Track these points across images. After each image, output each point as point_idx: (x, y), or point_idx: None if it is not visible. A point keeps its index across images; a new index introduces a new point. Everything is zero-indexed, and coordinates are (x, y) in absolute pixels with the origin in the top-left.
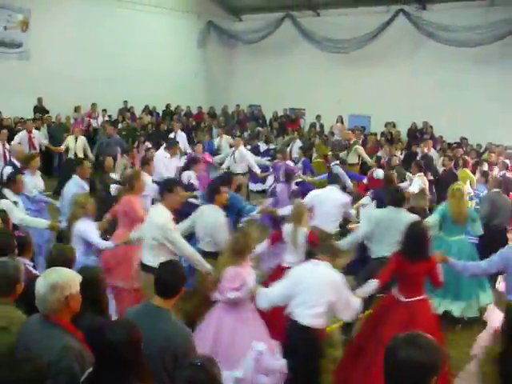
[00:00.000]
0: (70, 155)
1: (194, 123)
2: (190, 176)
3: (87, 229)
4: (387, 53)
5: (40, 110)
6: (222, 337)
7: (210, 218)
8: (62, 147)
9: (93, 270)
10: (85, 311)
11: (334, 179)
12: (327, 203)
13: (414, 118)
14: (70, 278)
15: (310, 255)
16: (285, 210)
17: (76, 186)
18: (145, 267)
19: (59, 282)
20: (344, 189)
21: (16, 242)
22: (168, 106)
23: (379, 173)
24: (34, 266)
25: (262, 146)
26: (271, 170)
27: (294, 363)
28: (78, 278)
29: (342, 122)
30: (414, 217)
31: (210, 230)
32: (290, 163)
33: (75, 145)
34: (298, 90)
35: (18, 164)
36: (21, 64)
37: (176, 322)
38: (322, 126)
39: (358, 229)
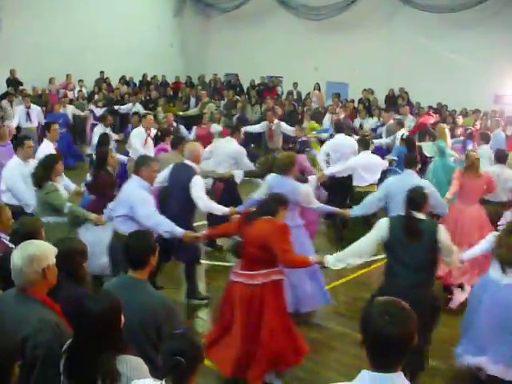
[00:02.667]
0: None
1: (171, 93)
2: None
3: None
4: (364, 19)
5: (13, 82)
6: None
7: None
8: None
9: (69, 241)
10: (61, 284)
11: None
12: None
13: (392, 85)
14: (46, 250)
15: None
16: None
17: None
18: None
19: (36, 253)
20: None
21: None
22: (144, 75)
23: (215, 127)
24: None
25: None
26: None
27: None
28: (54, 251)
29: (320, 90)
30: None
31: None
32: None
33: None
34: (275, 58)
35: (196, 169)
36: None
37: (154, 292)
38: (299, 94)
39: None
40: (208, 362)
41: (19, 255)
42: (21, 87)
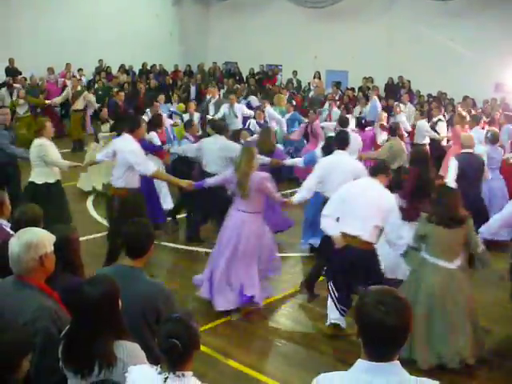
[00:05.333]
0: None
1: (170, 81)
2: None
3: None
4: (364, 7)
5: (12, 71)
6: None
7: None
8: None
9: (65, 229)
10: (58, 272)
11: None
12: None
13: (392, 73)
14: (44, 237)
15: None
16: None
17: None
18: None
19: (34, 240)
20: None
21: None
22: (144, 64)
23: None
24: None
25: None
26: None
27: None
28: (52, 238)
29: (320, 78)
30: None
31: None
32: None
33: None
34: (274, 47)
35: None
36: None
37: (152, 280)
38: (299, 82)
39: None
40: (206, 349)
41: (17, 242)
42: (20, 76)
